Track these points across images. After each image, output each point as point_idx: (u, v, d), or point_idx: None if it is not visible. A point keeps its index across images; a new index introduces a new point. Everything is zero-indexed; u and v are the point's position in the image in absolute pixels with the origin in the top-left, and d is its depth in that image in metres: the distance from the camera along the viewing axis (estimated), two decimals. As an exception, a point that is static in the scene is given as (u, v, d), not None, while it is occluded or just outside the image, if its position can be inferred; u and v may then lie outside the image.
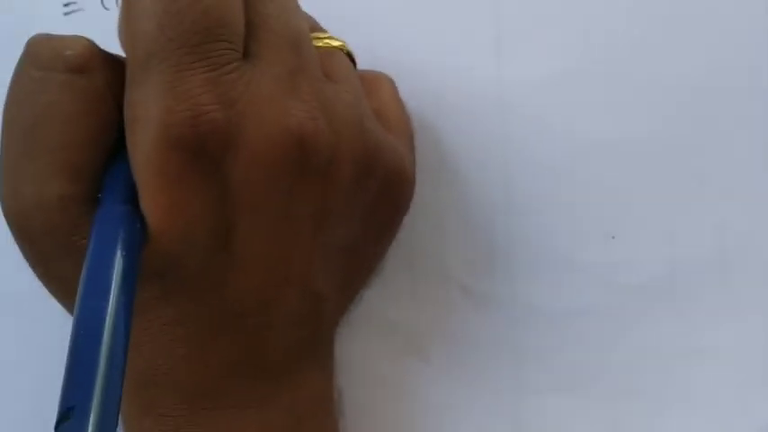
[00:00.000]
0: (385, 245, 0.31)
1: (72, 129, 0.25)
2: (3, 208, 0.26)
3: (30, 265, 0.27)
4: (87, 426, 0.20)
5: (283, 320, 0.27)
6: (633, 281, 0.31)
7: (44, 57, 0.25)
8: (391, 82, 0.32)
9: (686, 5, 0.31)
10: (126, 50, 0.24)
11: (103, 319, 0.21)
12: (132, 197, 0.24)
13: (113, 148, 0.25)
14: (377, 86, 0.31)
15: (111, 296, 0.22)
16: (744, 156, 0.31)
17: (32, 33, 0.34)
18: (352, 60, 0.30)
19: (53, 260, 0.26)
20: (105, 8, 0.33)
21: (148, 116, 0.23)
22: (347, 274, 0.29)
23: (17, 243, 0.26)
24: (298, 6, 0.27)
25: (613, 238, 0.31)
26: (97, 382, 0.20)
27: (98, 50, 0.25)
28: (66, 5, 0.34)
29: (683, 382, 0.31)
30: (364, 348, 0.32)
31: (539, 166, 0.32)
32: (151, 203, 0.24)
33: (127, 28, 0.24)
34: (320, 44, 0.28)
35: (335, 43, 0.29)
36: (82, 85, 0.25)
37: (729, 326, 0.31)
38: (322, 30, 0.30)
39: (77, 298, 0.22)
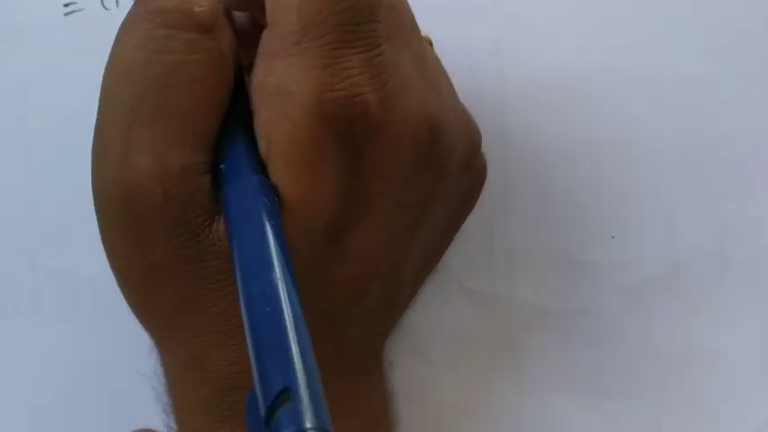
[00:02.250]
0: (453, 236, 0.30)
1: (198, 92, 0.23)
2: (102, 184, 0.24)
3: (118, 250, 0.25)
4: (303, 404, 0.18)
5: (364, 314, 0.26)
6: (633, 281, 0.31)
7: (171, 13, 0.23)
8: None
9: (686, 5, 0.31)
10: (274, 15, 0.23)
11: (278, 291, 0.20)
12: (260, 169, 0.23)
13: (225, 116, 0.24)
14: None
15: (278, 268, 0.20)
16: (744, 156, 0.31)
17: (32, 33, 0.34)
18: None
19: (155, 243, 0.24)
20: (105, 8, 0.33)
21: (300, 89, 0.22)
22: (423, 264, 0.29)
23: (112, 223, 0.24)
24: None
25: (613, 237, 0.31)
26: (298, 357, 0.19)
27: (220, 8, 0.24)
28: (66, 5, 0.34)
29: (682, 382, 0.31)
30: (364, 348, 0.32)
31: (539, 166, 0.32)
32: (290, 180, 0.23)
33: None
34: None
35: (422, 33, 0.29)
36: (210, 45, 0.23)
37: (729, 326, 0.31)
38: None
39: (243, 277, 0.21)
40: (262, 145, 0.23)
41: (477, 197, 0.30)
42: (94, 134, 0.24)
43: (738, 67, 0.31)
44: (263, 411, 0.18)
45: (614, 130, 0.31)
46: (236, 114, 0.24)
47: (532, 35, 0.32)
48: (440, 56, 0.31)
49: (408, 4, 0.26)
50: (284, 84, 0.23)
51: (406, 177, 0.25)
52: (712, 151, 0.31)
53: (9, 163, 0.34)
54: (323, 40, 0.23)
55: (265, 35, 0.24)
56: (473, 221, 0.32)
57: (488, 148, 0.31)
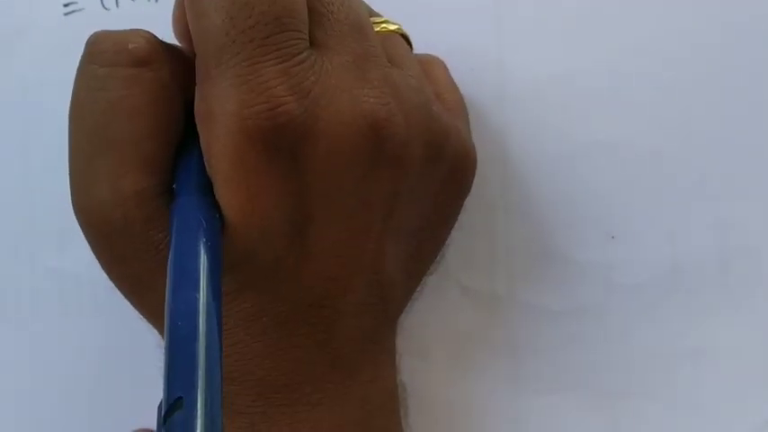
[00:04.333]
0: (449, 228, 0.31)
1: (142, 122, 0.25)
2: (77, 209, 0.26)
3: (104, 265, 0.27)
4: (197, 414, 0.20)
5: (352, 309, 0.27)
6: (633, 281, 0.31)
7: (108, 53, 0.25)
8: (443, 64, 0.32)
9: (686, 6, 0.31)
10: (195, 45, 0.25)
11: (197, 309, 0.21)
12: (207, 188, 0.25)
13: (182, 140, 0.26)
14: (431, 68, 0.31)
15: (201, 285, 0.22)
16: (744, 156, 0.31)
17: (32, 33, 0.34)
18: (408, 43, 0.30)
19: (129, 258, 0.26)
20: (105, 8, 0.33)
21: (224, 110, 0.24)
22: (414, 258, 0.29)
23: (92, 244, 0.26)
24: None
25: (613, 238, 0.31)
26: (201, 370, 0.20)
27: (159, 42, 0.25)
28: (66, 5, 0.34)
29: (682, 382, 0.31)
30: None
31: (539, 166, 0.32)
32: (228, 196, 0.24)
33: (195, 23, 0.24)
34: (378, 29, 0.28)
35: (392, 27, 0.29)
36: (148, 77, 0.25)
37: (729, 326, 0.31)
38: (377, 14, 0.30)
39: (168, 290, 0.22)
40: (206, 166, 0.25)
41: (466, 183, 0.30)
42: (68, 166, 0.26)
43: (739, 68, 0.31)
44: (161, 417, 0.20)
45: (614, 130, 0.31)
46: (193, 138, 0.25)
47: (532, 35, 0.32)
48: (440, 56, 0.32)
49: (356, 4, 0.26)
50: (210, 106, 0.24)
51: (359, 175, 0.25)
52: (712, 152, 0.31)
53: (9, 163, 0.34)
54: (237, 59, 0.24)
55: (195, 63, 0.25)
56: (473, 220, 0.32)
57: (488, 148, 0.31)
